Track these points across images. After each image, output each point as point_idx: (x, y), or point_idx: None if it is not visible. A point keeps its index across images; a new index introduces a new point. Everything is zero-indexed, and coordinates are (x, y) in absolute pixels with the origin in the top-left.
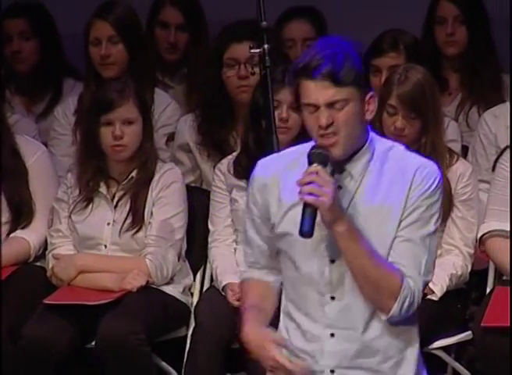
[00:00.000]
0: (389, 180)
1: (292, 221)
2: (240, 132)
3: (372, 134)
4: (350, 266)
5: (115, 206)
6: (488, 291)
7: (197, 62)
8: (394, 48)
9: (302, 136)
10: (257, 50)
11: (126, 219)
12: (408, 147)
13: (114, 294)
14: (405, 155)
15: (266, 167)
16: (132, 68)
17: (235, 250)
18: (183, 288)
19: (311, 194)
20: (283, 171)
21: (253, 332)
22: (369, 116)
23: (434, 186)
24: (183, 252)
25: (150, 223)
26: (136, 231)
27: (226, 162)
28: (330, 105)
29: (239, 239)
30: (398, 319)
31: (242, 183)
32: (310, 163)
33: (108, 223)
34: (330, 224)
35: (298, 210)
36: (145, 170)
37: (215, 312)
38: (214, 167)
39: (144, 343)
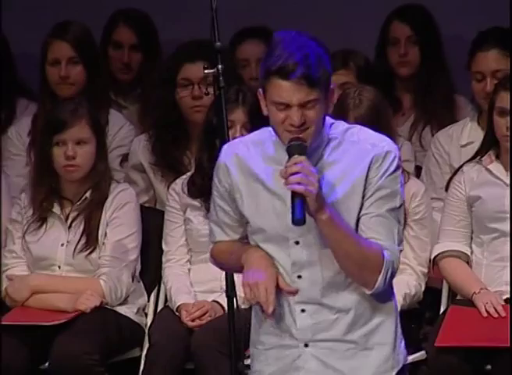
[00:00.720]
0: (348, 162)
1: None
2: (194, 152)
3: (328, 119)
4: (335, 250)
5: (69, 227)
6: (441, 310)
7: (151, 83)
8: (344, 65)
9: None
10: (211, 70)
11: (79, 240)
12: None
13: (68, 315)
14: (362, 136)
15: (229, 152)
16: (88, 88)
17: (189, 270)
18: (137, 309)
19: (299, 183)
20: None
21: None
22: (330, 109)
23: (394, 165)
24: (137, 273)
25: (104, 243)
26: (90, 252)
27: (180, 182)
28: (303, 104)
29: (192, 259)
30: (381, 290)
31: (196, 202)
32: (290, 155)
33: (62, 244)
34: (314, 213)
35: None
36: (99, 191)
37: (169, 333)
38: (168, 187)
39: (97, 363)
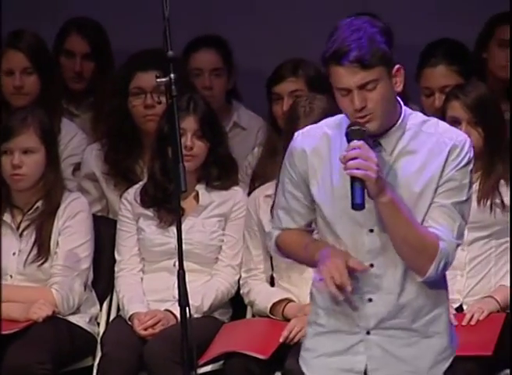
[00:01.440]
0: (426, 153)
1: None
2: (147, 161)
3: (406, 109)
4: (392, 234)
5: (21, 236)
6: None
7: (104, 92)
8: (293, 73)
9: (207, 163)
10: (164, 79)
11: (31, 250)
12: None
13: (20, 324)
14: (439, 129)
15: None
16: (42, 97)
17: (142, 279)
18: (90, 318)
19: (357, 169)
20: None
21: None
22: (398, 88)
23: (467, 158)
24: (90, 282)
25: (56, 252)
26: (43, 262)
27: (133, 191)
28: (361, 87)
29: (145, 268)
30: (433, 280)
31: (149, 212)
32: (349, 140)
33: (14, 253)
34: (375, 196)
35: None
36: (50, 200)
37: (121, 342)
38: (120, 196)
39: (49, 373)
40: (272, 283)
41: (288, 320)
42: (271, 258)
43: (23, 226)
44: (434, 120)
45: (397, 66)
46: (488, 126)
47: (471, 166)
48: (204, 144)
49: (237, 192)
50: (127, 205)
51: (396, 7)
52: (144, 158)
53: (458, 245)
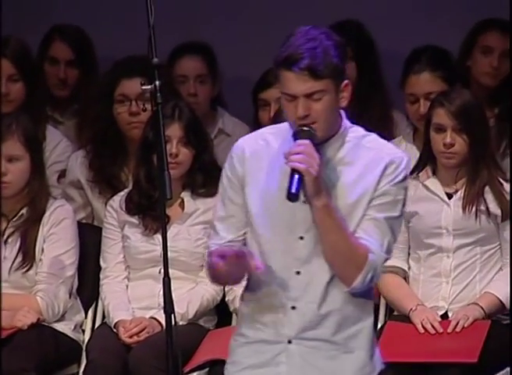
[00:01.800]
0: (363, 166)
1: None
2: (132, 168)
3: (347, 122)
4: (324, 239)
5: (5, 243)
6: (379, 326)
7: (88, 98)
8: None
9: (192, 171)
10: (148, 86)
11: (16, 256)
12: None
13: (4, 332)
14: (378, 144)
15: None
16: (26, 104)
17: (127, 287)
18: (75, 325)
19: (300, 163)
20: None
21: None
22: (343, 103)
23: (403, 175)
24: (75, 289)
25: (41, 259)
26: (27, 269)
27: (118, 199)
28: (308, 95)
29: (130, 275)
30: (358, 291)
31: (134, 219)
32: (296, 139)
33: None
34: (311, 196)
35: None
36: (35, 207)
37: (106, 349)
38: (105, 204)
39: None
40: None
41: None
42: None
43: (7, 233)
44: (374, 136)
45: (346, 82)
46: (473, 133)
47: (406, 184)
48: (190, 151)
49: None
50: (112, 212)
51: (382, 14)
52: (128, 166)
53: (386, 260)
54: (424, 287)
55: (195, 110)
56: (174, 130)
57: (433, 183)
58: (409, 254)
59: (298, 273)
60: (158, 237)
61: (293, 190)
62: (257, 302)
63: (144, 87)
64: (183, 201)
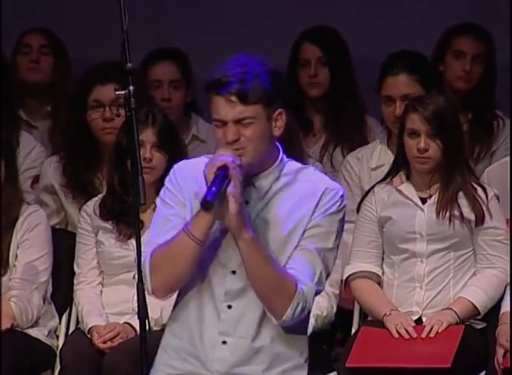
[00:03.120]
0: (298, 199)
1: None
2: (105, 174)
3: (283, 156)
4: (251, 272)
5: None
6: (353, 331)
7: (60, 96)
8: None
9: (166, 176)
10: (122, 92)
11: None
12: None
13: None
14: (314, 176)
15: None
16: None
17: (101, 292)
18: (48, 331)
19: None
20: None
21: None
22: (277, 132)
23: (337, 206)
24: (48, 295)
25: (14, 265)
26: (1, 275)
27: (92, 204)
28: (237, 121)
29: (104, 281)
30: (289, 324)
31: (108, 224)
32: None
33: None
34: (236, 231)
35: None
36: (9, 213)
37: (80, 355)
38: (79, 209)
39: None
40: None
41: None
42: None
43: None
44: (310, 169)
45: (280, 110)
46: (446, 139)
47: (340, 215)
48: (163, 156)
49: None
50: (86, 217)
51: (354, 20)
52: (102, 171)
53: (318, 292)
54: (398, 292)
55: (169, 115)
56: (148, 135)
57: (407, 188)
58: (383, 259)
59: (229, 306)
60: (132, 242)
61: (210, 196)
62: (187, 333)
63: (117, 93)
64: (156, 206)
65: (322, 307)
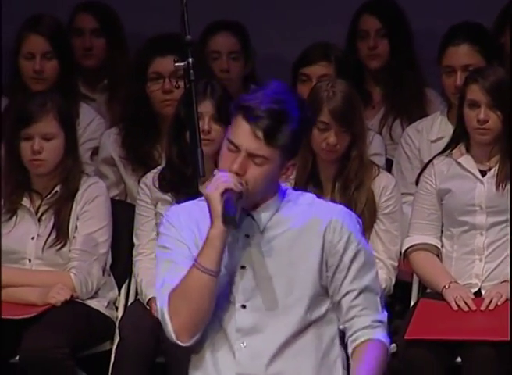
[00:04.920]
0: (299, 231)
1: None
2: (164, 146)
3: (281, 185)
4: None
5: (39, 220)
6: (412, 303)
7: (117, 73)
8: (325, 57)
9: None
10: (182, 63)
11: (50, 234)
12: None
13: (38, 309)
14: (315, 204)
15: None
16: (60, 82)
17: None
18: (108, 302)
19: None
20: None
21: None
22: (283, 179)
23: (350, 230)
24: (108, 266)
25: (74, 237)
26: (61, 246)
27: (151, 176)
28: (251, 155)
29: None
30: None
31: (167, 196)
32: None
33: (33, 237)
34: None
35: None
36: (69, 185)
37: (139, 326)
38: (138, 181)
39: (68, 357)
40: None
41: None
42: None
43: (41, 210)
44: (309, 195)
45: (293, 162)
46: (506, 110)
47: (359, 232)
48: (222, 128)
49: None
50: (145, 189)
51: None
52: (161, 143)
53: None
54: (457, 264)
55: (227, 87)
56: (206, 107)
57: (466, 161)
58: (442, 231)
59: (243, 344)
60: None
61: (231, 212)
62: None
63: (177, 65)
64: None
65: (381, 279)
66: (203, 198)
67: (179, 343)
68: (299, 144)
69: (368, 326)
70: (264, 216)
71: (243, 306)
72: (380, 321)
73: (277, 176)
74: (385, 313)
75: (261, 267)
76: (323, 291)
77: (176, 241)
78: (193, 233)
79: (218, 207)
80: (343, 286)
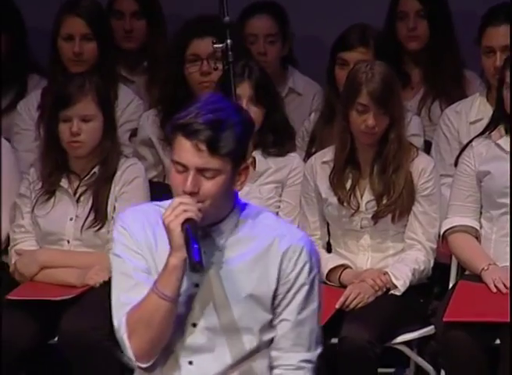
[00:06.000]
0: (257, 252)
1: None
2: None
3: (239, 200)
4: None
5: (78, 201)
6: (450, 285)
7: (156, 56)
8: (363, 42)
9: (263, 130)
10: (220, 45)
11: (88, 215)
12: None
13: (76, 290)
14: (273, 225)
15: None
16: (99, 64)
17: None
18: None
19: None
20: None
21: None
22: (238, 187)
23: (305, 259)
24: None
25: (112, 218)
26: (99, 228)
27: None
28: (200, 170)
29: None
30: None
31: None
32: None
33: (71, 219)
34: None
35: None
36: (107, 166)
37: None
38: None
39: (106, 338)
40: (328, 249)
41: (344, 287)
42: (327, 224)
43: (79, 191)
44: (268, 213)
45: (245, 164)
46: None
47: (311, 266)
48: (260, 109)
49: (294, 158)
50: None
51: None
52: None
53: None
54: (496, 246)
55: (265, 69)
56: (244, 89)
57: (506, 143)
58: (481, 213)
59: (191, 363)
60: None
61: (197, 258)
62: None
63: (215, 46)
64: (254, 160)
65: (420, 261)
66: (160, 203)
67: (139, 364)
68: (246, 148)
69: (293, 367)
70: (222, 233)
71: (194, 324)
72: (308, 361)
73: (232, 185)
74: (317, 351)
75: (216, 287)
76: (274, 318)
77: (130, 251)
78: (148, 238)
79: (179, 239)
80: (282, 313)
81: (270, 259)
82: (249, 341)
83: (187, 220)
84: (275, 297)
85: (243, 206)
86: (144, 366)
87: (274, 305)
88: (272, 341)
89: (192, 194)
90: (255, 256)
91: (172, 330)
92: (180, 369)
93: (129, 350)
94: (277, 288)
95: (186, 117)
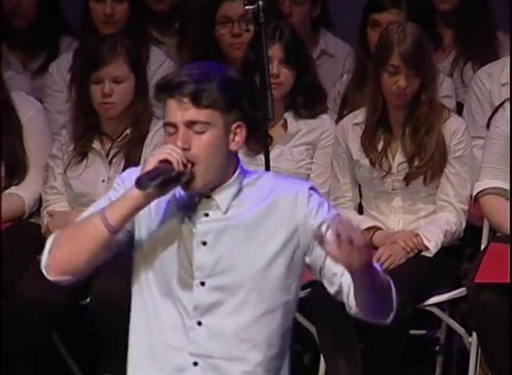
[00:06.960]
0: (265, 211)
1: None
2: None
3: (242, 165)
4: (371, 293)
5: (110, 163)
6: (482, 247)
7: (187, 17)
8: (396, 3)
9: (294, 91)
10: (252, 6)
11: None
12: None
13: None
14: (276, 183)
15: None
16: (130, 26)
17: None
18: None
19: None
20: None
21: None
22: (234, 147)
23: (319, 200)
24: None
25: None
26: None
27: None
28: (189, 124)
29: None
30: None
31: None
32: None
33: (103, 180)
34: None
35: None
36: (139, 128)
37: None
38: None
39: None
40: (360, 211)
41: (376, 248)
42: (359, 186)
43: (112, 153)
44: (269, 175)
45: (239, 123)
46: None
47: (325, 207)
48: (291, 71)
49: (325, 120)
50: None
51: None
52: None
53: None
54: None
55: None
56: (275, 51)
57: None
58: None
59: (200, 323)
60: (261, 157)
61: (147, 178)
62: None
63: (247, 8)
64: (285, 121)
65: (451, 223)
66: None
67: (45, 273)
68: (234, 103)
69: None
70: (225, 195)
71: (202, 283)
72: None
73: (227, 143)
74: None
75: (223, 245)
76: (291, 274)
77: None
78: None
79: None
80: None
81: (278, 214)
82: (260, 300)
83: (165, 162)
84: (297, 249)
85: (246, 173)
86: (49, 277)
87: (296, 258)
88: (286, 303)
89: (184, 150)
90: (261, 213)
91: (96, 259)
92: (187, 330)
93: (45, 257)
94: (296, 240)
95: (169, 77)
